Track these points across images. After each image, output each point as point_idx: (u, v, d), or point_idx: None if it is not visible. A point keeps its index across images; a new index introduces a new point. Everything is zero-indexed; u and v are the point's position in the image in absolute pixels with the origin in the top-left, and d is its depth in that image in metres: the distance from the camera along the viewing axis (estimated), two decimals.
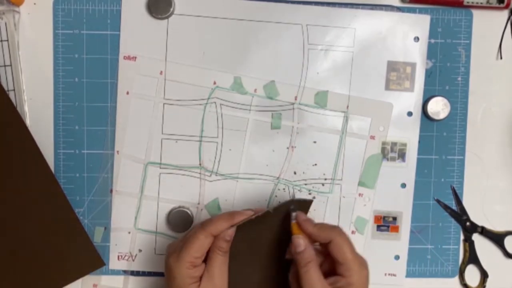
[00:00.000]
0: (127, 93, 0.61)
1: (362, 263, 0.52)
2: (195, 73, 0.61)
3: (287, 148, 0.62)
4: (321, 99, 0.62)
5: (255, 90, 0.62)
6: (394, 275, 0.63)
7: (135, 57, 0.61)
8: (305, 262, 0.51)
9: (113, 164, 0.62)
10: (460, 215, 0.63)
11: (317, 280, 0.50)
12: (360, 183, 0.63)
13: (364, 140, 0.63)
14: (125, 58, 0.61)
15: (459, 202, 0.63)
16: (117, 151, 0.61)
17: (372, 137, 0.63)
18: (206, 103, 0.62)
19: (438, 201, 0.63)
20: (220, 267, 0.52)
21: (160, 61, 0.61)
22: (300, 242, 0.52)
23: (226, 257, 0.52)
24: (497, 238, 0.64)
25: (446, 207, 0.63)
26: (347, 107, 0.62)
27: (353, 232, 0.63)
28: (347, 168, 0.63)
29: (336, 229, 0.52)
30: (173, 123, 0.62)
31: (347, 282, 0.50)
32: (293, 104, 0.62)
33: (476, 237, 0.64)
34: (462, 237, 0.64)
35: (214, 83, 0.62)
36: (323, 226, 0.53)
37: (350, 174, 0.63)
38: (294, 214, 0.53)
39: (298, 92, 0.62)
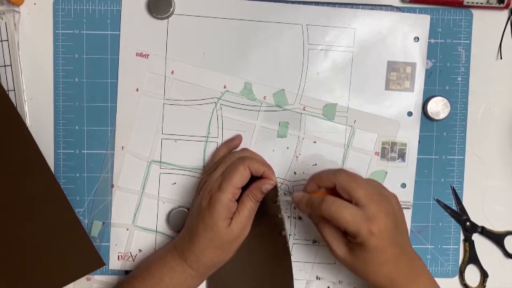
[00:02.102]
0: (137, 89, 0.61)
1: (369, 217, 0.50)
2: (204, 75, 0.61)
3: (292, 157, 0.62)
4: (329, 112, 0.62)
5: (264, 97, 0.62)
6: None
7: (148, 55, 0.61)
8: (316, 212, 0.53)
9: (113, 164, 0.62)
10: (460, 215, 0.63)
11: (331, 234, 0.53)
12: None
13: (368, 156, 0.63)
14: (137, 54, 0.61)
15: (459, 202, 0.63)
16: (122, 147, 0.62)
17: (377, 153, 0.63)
18: (215, 106, 0.62)
19: (438, 201, 0.63)
20: (249, 211, 0.55)
21: (172, 61, 0.61)
22: (298, 195, 0.55)
23: (256, 205, 0.55)
24: (497, 238, 0.64)
25: (446, 207, 0.63)
26: (355, 121, 0.62)
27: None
28: None
29: (324, 200, 0.52)
30: (179, 123, 0.62)
31: (358, 243, 0.51)
32: (301, 114, 0.62)
33: (476, 237, 0.64)
34: (462, 237, 0.64)
35: (224, 87, 0.62)
36: (312, 205, 0.53)
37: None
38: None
39: (307, 102, 0.62)
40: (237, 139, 0.61)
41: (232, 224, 0.54)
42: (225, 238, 0.54)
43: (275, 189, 0.56)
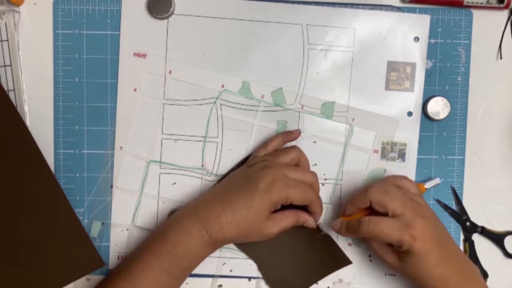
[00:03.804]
0: (135, 89, 0.61)
1: (407, 224, 0.52)
2: (203, 75, 0.61)
3: None
4: (327, 110, 0.62)
5: (263, 96, 0.62)
6: (395, 275, 0.63)
7: (145, 55, 0.61)
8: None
9: (113, 164, 0.62)
10: (460, 215, 0.63)
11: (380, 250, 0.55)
12: None
13: (367, 154, 0.63)
14: (135, 55, 0.61)
15: (459, 202, 0.63)
16: (120, 147, 0.62)
17: (376, 151, 0.63)
18: (214, 105, 0.62)
19: (438, 201, 0.63)
20: (286, 226, 0.57)
21: (170, 60, 0.61)
22: (336, 223, 0.57)
23: (292, 226, 0.57)
24: (497, 238, 0.64)
25: (446, 207, 0.63)
26: (353, 119, 0.62)
27: (349, 245, 0.63)
28: (348, 181, 0.63)
29: (361, 222, 0.54)
30: (179, 123, 0.62)
31: (405, 251, 0.52)
32: (299, 112, 0.62)
33: (476, 237, 0.64)
34: (462, 237, 0.64)
35: (222, 86, 0.62)
36: (352, 230, 0.55)
37: (350, 187, 0.63)
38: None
39: (305, 101, 0.62)
40: (295, 133, 0.61)
41: (268, 221, 0.55)
42: (255, 227, 0.54)
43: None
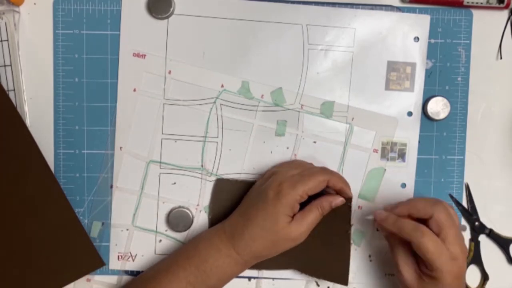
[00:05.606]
0: (134, 90, 0.61)
1: (453, 257, 0.51)
2: (203, 75, 0.61)
3: (291, 155, 0.62)
4: (326, 109, 0.62)
5: (262, 96, 0.62)
6: (395, 275, 0.63)
7: (145, 55, 0.61)
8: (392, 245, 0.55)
9: (113, 164, 0.62)
10: (470, 214, 0.63)
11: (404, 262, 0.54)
12: (360, 196, 0.63)
13: (367, 153, 0.63)
14: (134, 55, 0.61)
15: (471, 200, 0.63)
16: (120, 147, 0.62)
17: (375, 151, 0.63)
18: (213, 105, 0.62)
19: (451, 196, 0.63)
20: (312, 220, 0.55)
21: (169, 61, 0.61)
22: (382, 213, 0.55)
23: (320, 217, 0.56)
24: (503, 243, 0.63)
25: (458, 204, 0.63)
26: (353, 119, 0.62)
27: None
28: (348, 181, 0.62)
29: (417, 228, 0.52)
30: (179, 123, 0.62)
31: (433, 276, 0.52)
32: (298, 112, 0.62)
33: (482, 239, 0.63)
34: (469, 236, 0.64)
35: (222, 86, 0.62)
36: (402, 229, 0.53)
37: (350, 185, 0.62)
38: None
39: (305, 101, 0.62)
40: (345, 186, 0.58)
41: (292, 224, 0.54)
42: (280, 235, 0.54)
43: (347, 212, 0.57)
